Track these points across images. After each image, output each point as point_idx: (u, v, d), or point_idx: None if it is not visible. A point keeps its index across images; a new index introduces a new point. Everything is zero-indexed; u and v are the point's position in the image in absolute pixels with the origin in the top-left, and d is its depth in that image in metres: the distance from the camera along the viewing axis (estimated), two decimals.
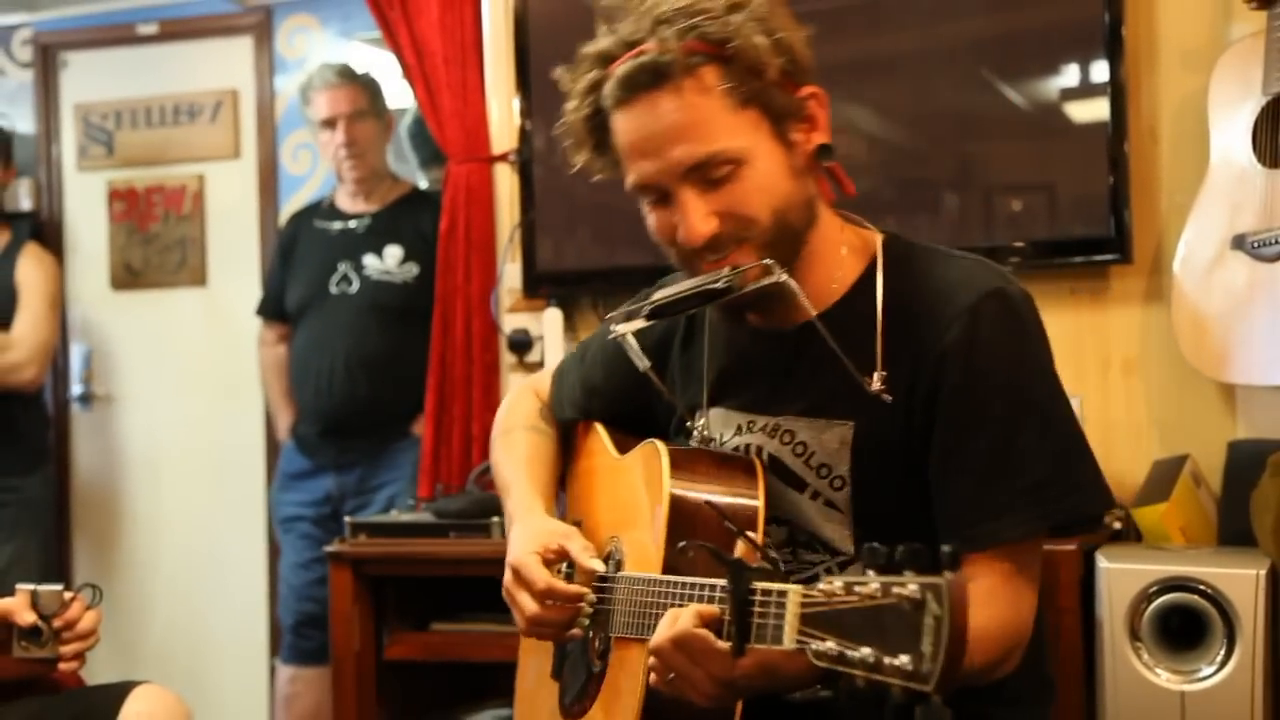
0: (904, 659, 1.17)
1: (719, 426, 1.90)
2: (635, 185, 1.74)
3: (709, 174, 1.68)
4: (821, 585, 1.30)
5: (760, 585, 1.41)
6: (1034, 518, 1.68)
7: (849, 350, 1.71)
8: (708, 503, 1.74)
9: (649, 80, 1.68)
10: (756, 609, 1.41)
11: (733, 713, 1.62)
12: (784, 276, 1.68)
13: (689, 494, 1.74)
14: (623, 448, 1.97)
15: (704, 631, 1.49)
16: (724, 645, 1.46)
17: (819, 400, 1.78)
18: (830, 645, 1.26)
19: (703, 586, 1.58)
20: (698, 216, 1.69)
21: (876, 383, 1.71)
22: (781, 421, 1.81)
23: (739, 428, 1.87)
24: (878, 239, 1.83)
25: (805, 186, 1.75)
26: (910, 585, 1.19)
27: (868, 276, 1.79)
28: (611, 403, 2.08)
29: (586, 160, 1.82)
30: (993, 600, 1.65)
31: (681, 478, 1.75)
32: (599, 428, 2.06)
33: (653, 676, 1.55)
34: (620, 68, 1.70)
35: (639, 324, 1.82)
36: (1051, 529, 1.73)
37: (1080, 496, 1.71)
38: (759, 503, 1.75)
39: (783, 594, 1.38)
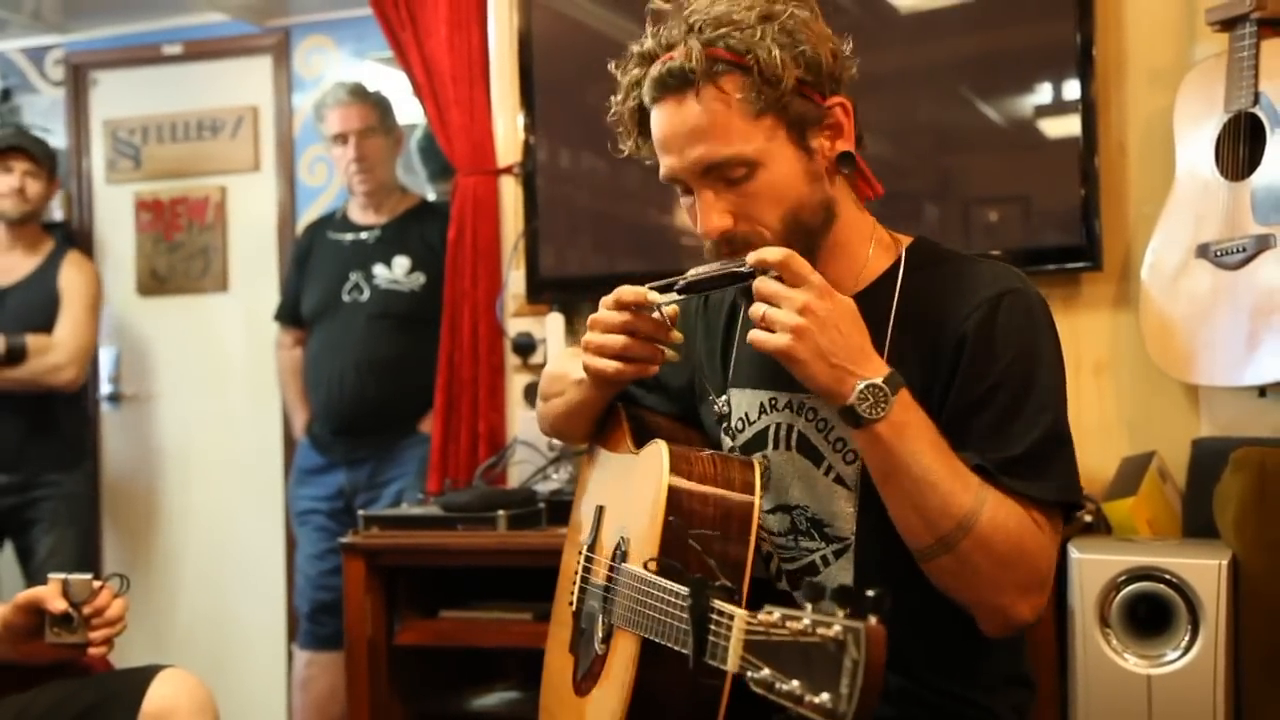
0: (825, 697, 1.18)
1: (745, 407, 1.90)
2: (665, 177, 1.78)
3: (725, 174, 1.71)
4: (762, 615, 1.29)
5: (717, 604, 1.42)
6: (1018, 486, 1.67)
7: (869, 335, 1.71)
8: (701, 502, 1.73)
9: (676, 84, 1.71)
10: (712, 626, 1.42)
11: (717, 707, 1.62)
12: None
13: (684, 494, 1.73)
14: (641, 441, 1.94)
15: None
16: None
17: None
18: (766, 674, 1.26)
19: (675, 595, 1.58)
20: (713, 213, 1.73)
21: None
22: (805, 399, 1.81)
23: (763, 406, 1.87)
24: (907, 241, 1.84)
25: (823, 189, 1.76)
26: (835, 626, 1.19)
27: (891, 272, 1.80)
28: (657, 389, 2.07)
29: (632, 147, 1.85)
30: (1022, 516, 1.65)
31: (679, 478, 1.74)
32: (625, 419, 2.04)
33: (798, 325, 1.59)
34: (655, 68, 1.73)
35: (672, 297, 1.81)
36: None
37: (1046, 484, 1.68)
38: (755, 499, 1.74)
39: (731, 617, 1.38)
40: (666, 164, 1.76)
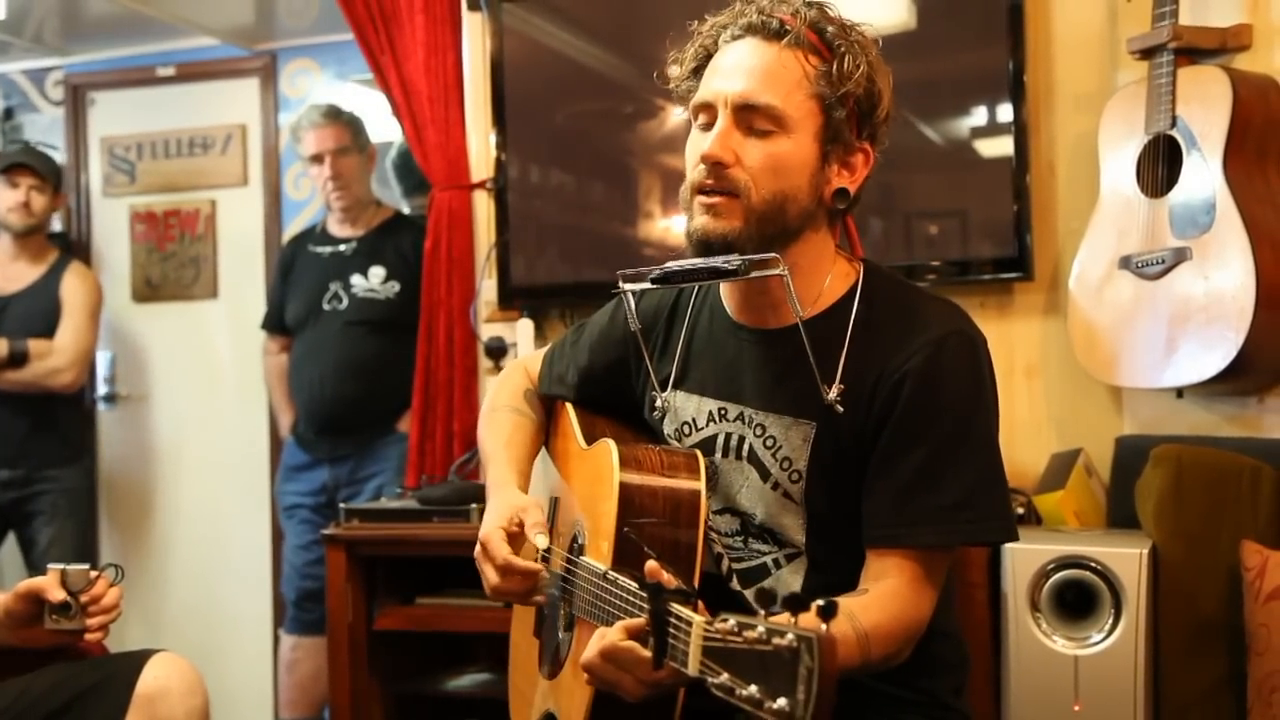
0: (782, 702, 1.17)
1: (691, 413, 1.87)
2: (696, 103, 1.75)
3: (754, 121, 1.69)
4: (718, 623, 1.27)
5: (675, 608, 1.39)
6: (943, 533, 1.68)
7: (820, 359, 1.70)
8: (651, 495, 1.72)
9: (767, 32, 1.71)
10: (671, 629, 1.38)
11: (676, 694, 1.61)
12: (785, 272, 1.66)
13: (635, 489, 1.72)
14: (590, 436, 1.94)
15: (628, 643, 1.48)
16: (646, 654, 1.43)
17: (788, 399, 1.76)
18: (725, 679, 1.24)
19: (634, 596, 1.56)
20: (721, 141, 1.70)
21: (833, 393, 1.71)
22: (754, 414, 1.79)
23: (711, 415, 1.85)
24: (860, 267, 1.81)
25: (812, 201, 1.73)
26: (788, 635, 1.18)
27: (847, 298, 1.77)
28: (595, 383, 2.05)
29: (679, 77, 1.83)
30: (896, 599, 1.65)
31: (629, 473, 1.73)
32: (570, 413, 2.03)
33: (586, 678, 1.54)
34: (753, 14, 1.74)
35: (645, 285, 1.78)
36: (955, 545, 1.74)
37: (987, 525, 1.69)
38: (700, 486, 1.73)
39: (689, 623, 1.34)
40: (711, 87, 1.73)
